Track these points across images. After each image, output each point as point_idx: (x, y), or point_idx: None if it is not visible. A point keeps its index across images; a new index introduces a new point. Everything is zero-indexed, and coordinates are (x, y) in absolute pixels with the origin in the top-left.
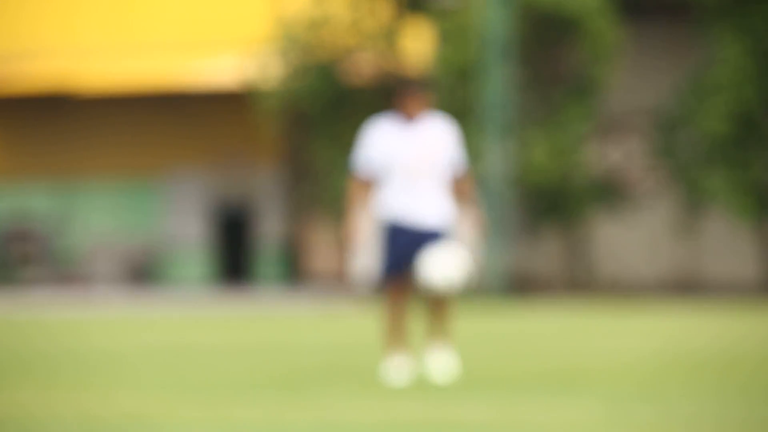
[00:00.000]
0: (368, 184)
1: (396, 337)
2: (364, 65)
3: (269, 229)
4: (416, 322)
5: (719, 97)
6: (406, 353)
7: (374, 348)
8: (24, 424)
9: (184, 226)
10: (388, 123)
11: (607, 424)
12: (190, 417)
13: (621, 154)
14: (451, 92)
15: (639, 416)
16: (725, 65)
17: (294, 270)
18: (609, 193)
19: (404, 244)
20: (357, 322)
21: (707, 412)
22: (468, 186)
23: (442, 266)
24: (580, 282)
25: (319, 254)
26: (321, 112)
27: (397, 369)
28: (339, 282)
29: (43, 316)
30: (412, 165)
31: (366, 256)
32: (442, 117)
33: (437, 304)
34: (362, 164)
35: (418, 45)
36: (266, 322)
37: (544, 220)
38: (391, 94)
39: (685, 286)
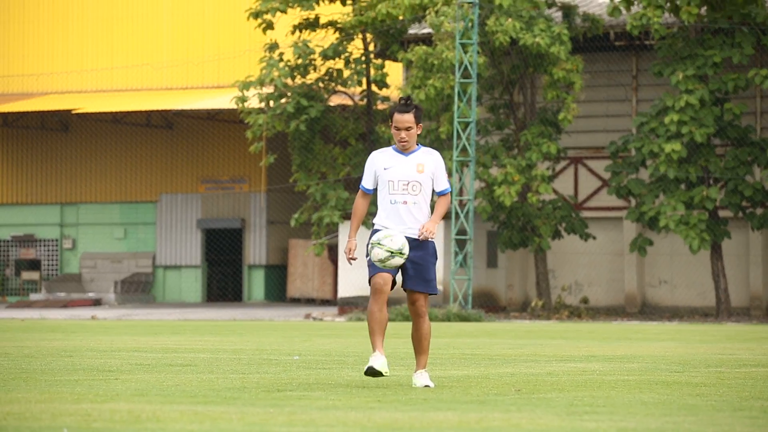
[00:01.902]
0: (368, 200)
1: (381, 332)
2: (346, 91)
3: (259, 251)
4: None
5: (673, 135)
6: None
7: (358, 359)
8: (21, 428)
9: (178, 246)
10: (388, 152)
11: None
12: (180, 426)
13: (581, 185)
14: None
15: (592, 426)
16: (678, 103)
17: (282, 292)
18: (568, 221)
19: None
20: (343, 334)
21: (654, 424)
22: (446, 204)
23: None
24: (542, 302)
25: (306, 278)
26: (302, 133)
27: (380, 362)
28: (326, 303)
29: (43, 323)
30: (404, 187)
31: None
32: (428, 148)
33: (417, 327)
34: (367, 184)
35: (393, 78)
36: (255, 330)
37: (507, 245)
38: (385, 119)
39: (642, 311)
